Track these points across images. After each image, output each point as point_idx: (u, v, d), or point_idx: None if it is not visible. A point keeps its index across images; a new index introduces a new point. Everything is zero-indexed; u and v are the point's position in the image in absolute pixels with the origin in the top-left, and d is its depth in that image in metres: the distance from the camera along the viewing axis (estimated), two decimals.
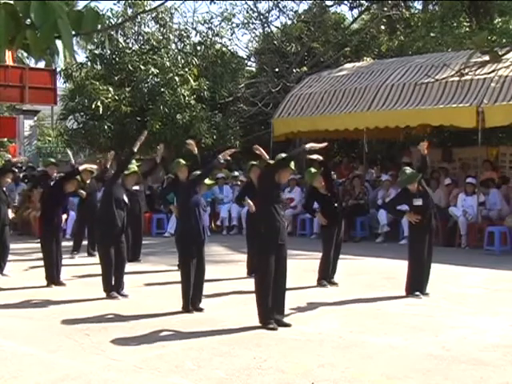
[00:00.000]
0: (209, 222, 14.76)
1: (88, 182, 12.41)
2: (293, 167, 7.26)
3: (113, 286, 8.46)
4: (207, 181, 7.97)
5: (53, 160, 13.92)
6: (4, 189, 10.39)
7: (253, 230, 9.13)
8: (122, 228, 8.57)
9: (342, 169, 17.21)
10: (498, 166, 15.41)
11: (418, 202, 8.28)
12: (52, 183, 10.51)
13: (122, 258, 8.62)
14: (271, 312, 6.82)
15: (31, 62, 21.93)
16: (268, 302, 6.83)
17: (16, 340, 6.43)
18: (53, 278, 9.27)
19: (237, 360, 5.67)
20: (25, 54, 19.95)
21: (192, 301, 7.59)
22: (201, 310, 7.59)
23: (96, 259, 11.63)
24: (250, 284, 9.18)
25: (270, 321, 6.76)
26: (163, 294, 8.65)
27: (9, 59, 14.93)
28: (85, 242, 12.45)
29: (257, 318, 6.90)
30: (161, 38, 18.58)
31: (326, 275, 9.02)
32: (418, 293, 8.19)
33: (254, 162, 10.10)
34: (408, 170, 8.52)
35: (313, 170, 9.15)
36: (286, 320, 6.92)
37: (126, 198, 8.66)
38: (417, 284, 8.24)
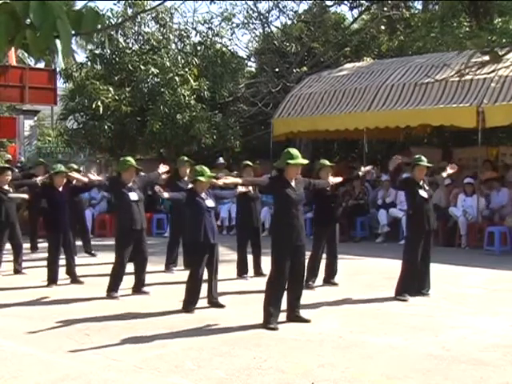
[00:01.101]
0: None
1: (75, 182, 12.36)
2: (302, 161, 6.97)
3: (116, 287, 8.47)
4: (202, 178, 7.63)
5: (42, 160, 13.92)
6: (6, 187, 10.31)
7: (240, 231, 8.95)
8: (142, 227, 8.55)
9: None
10: (498, 166, 15.41)
11: (424, 194, 8.21)
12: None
13: (144, 256, 8.60)
14: (276, 314, 6.81)
15: (32, 62, 22.01)
16: (276, 305, 6.78)
17: (16, 340, 6.43)
18: (54, 279, 9.27)
19: (237, 360, 5.67)
20: (26, 55, 19.95)
21: (212, 299, 7.75)
22: (222, 306, 7.72)
23: (95, 259, 11.67)
24: (250, 284, 9.21)
25: (271, 320, 6.76)
26: (163, 293, 8.65)
27: (11, 59, 14.94)
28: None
29: (257, 317, 6.92)
30: (161, 38, 18.58)
31: (313, 275, 8.84)
32: (406, 295, 8.03)
33: (248, 162, 10.04)
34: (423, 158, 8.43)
35: (327, 162, 9.02)
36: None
37: (136, 196, 8.54)
38: (407, 286, 8.09)
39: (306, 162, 7.18)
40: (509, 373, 5.30)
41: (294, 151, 6.96)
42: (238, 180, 7.38)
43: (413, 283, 8.14)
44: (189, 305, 7.55)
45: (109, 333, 6.59)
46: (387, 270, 10.43)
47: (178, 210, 10.10)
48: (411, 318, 7.20)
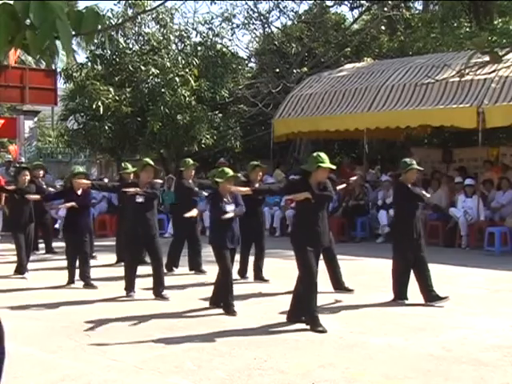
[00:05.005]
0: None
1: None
2: (329, 165, 6.82)
3: (133, 286, 8.50)
4: (221, 180, 7.47)
5: (39, 162, 13.90)
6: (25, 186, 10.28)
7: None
8: (150, 230, 8.45)
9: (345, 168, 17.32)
10: (498, 167, 15.41)
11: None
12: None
13: (158, 257, 8.50)
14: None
15: (33, 63, 22.00)
16: (315, 306, 6.71)
17: (16, 340, 6.41)
18: (73, 279, 9.31)
19: (237, 360, 5.66)
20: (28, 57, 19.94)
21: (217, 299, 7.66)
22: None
23: (95, 260, 11.67)
24: (251, 285, 9.20)
25: (318, 323, 6.61)
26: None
27: (12, 60, 14.94)
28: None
29: (257, 318, 6.93)
30: (161, 38, 18.58)
31: None
32: (404, 300, 7.96)
33: (256, 163, 9.95)
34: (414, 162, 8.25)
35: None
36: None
37: (140, 199, 8.44)
38: (404, 289, 8.01)
39: (334, 166, 7.05)
40: (509, 373, 5.30)
41: (323, 155, 6.84)
42: (248, 189, 7.12)
43: (407, 285, 8.02)
44: (230, 305, 7.40)
45: (109, 333, 6.59)
46: (387, 270, 10.38)
47: (180, 211, 10.04)
48: (411, 318, 7.19)
